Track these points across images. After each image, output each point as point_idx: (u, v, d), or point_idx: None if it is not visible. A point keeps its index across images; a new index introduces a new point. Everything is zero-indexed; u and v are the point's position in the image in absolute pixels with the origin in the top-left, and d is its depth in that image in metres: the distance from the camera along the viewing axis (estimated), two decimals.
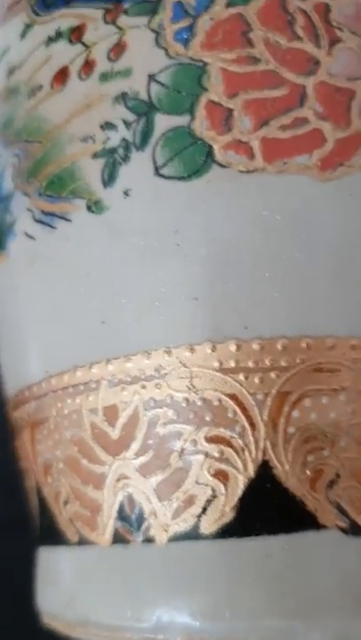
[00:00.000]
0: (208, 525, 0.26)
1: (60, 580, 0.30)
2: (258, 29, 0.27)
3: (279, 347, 0.26)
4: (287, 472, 0.26)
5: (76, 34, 0.29)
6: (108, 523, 0.28)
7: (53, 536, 0.30)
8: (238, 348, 0.26)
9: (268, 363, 0.26)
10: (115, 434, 0.28)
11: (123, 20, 0.29)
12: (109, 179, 0.28)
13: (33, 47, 0.30)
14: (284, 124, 0.27)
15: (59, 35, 0.30)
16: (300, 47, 0.27)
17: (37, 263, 0.30)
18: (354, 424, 0.26)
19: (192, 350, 0.27)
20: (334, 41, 0.27)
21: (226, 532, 0.26)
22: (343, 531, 0.26)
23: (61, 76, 0.30)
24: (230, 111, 0.27)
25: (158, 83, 0.28)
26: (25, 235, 0.30)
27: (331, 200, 0.27)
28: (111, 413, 0.28)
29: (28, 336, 0.31)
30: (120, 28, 0.28)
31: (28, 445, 0.31)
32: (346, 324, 0.26)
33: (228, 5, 0.28)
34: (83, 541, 0.29)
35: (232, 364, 0.26)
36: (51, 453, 0.30)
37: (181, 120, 0.27)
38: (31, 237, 0.30)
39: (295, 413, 0.26)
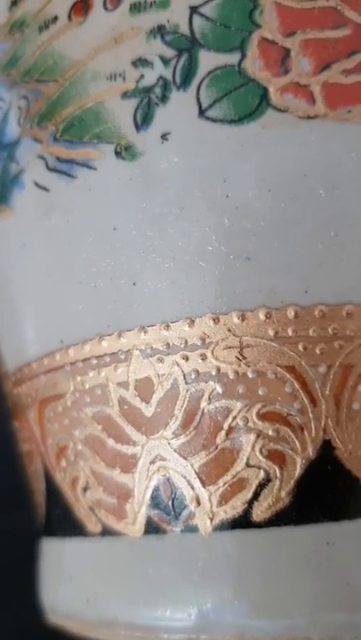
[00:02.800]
0: (261, 512, 0.22)
1: (76, 576, 0.25)
2: None
3: (344, 314, 0.22)
4: (351, 453, 0.22)
5: None
6: (140, 510, 0.24)
7: (68, 527, 0.26)
8: (297, 314, 0.22)
9: (330, 331, 0.22)
10: (149, 410, 0.23)
11: None
12: (144, 121, 0.23)
13: None
14: (347, 68, 0.23)
15: None
16: None
17: (52, 217, 0.25)
18: None
19: (243, 317, 0.23)
20: None
21: (281, 519, 0.22)
22: None
23: (82, 5, 0.25)
24: (287, 51, 0.23)
25: (203, 16, 0.23)
26: (36, 185, 0.26)
27: None
28: (145, 387, 0.24)
29: (37, 301, 0.26)
30: None
31: (34, 425, 0.27)
32: None
33: None
34: (107, 532, 0.24)
35: (290, 333, 0.22)
36: (66, 433, 0.25)
37: (231, 58, 0.23)
38: (44, 188, 0.25)
39: (360, 387, 0.23)
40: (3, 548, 0.36)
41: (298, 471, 0.22)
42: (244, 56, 0.23)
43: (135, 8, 0.24)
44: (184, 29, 0.24)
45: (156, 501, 0.23)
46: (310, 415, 0.22)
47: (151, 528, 0.23)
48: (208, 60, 0.23)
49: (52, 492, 0.27)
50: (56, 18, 0.25)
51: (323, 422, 0.22)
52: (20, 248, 0.26)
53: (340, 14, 0.23)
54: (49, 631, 0.27)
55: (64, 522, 0.26)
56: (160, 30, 0.24)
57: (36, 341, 0.26)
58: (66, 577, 0.26)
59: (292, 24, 0.23)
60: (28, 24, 0.26)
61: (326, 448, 0.22)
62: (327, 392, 0.22)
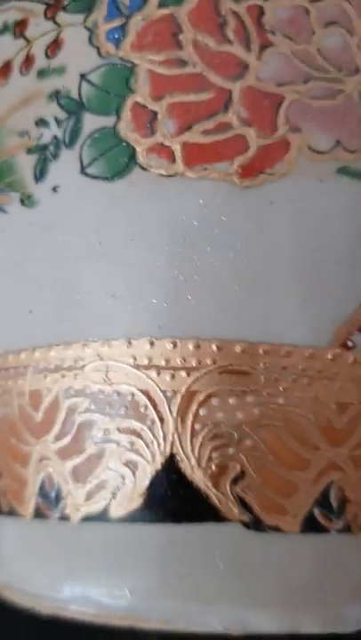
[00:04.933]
0: (117, 509, 0.26)
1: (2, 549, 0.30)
2: (188, 31, 0.26)
3: (191, 347, 0.25)
4: (193, 466, 0.25)
5: (19, 28, 0.28)
6: (31, 498, 0.28)
7: None
8: (152, 345, 0.26)
9: (179, 362, 0.26)
10: (38, 417, 0.28)
11: (61, 17, 0.27)
12: (40, 174, 0.27)
13: None
14: (207, 128, 0.26)
15: (5, 28, 0.29)
16: (229, 50, 0.26)
17: None
18: (261, 425, 0.26)
19: (109, 345, 0.26)
20: (266, 45, 0.26)
21: (133, 517, 0.26)
22: (246, 525, 0.25)
23: (5, 69, 0.28)
24: (155, 114, 0.26)
25: (89, 82, 0.26)
26: None
27: (250, 208, 0.25)
28: (36, 398, 0.28)
29: None
30: (58, 25, 0.27)
31: None
32: (256, 329, 0.26)
33: (161, 6, 0.26)
34: (12, 512, 0.29)
35: (145, 361, 0.26)
36: None
37: (108, 121, 0.26)
38: None
39: (203, 411, 0.26)
40: None
41: (148, 478, 0.26)
42: (119, 119, 0.26)
43: (41, 73, 0.27)
44: (74, 94, 0.27)
45: (42, 492, 0.27)
46: (160, 432, 0.26)
47: (38, 513, 0.28)
48: (91, 123, 0.26)
49: None
50: None
51: (170, 438, 0.26)
52: None
53: (205, 79, 0.26)
54: None
55: None
56: (57, 94, 0.27)
57: None
58: None
59: (162, 89, 0.26)
60: None
61: (172, 460, 0.26)
62: (174, 413, 0.26)
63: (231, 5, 0.26)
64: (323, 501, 0.26)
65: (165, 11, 0.26)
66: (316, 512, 0.26)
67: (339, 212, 0.26)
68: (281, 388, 0.26)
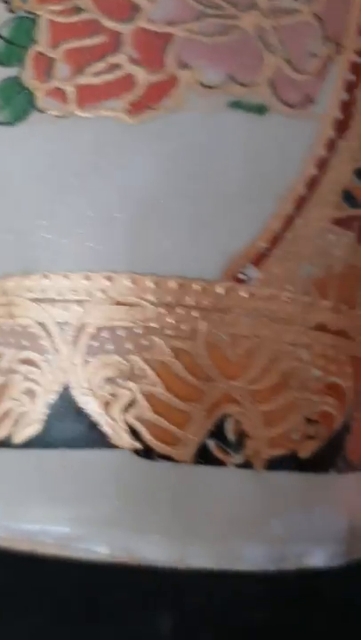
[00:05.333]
0: (17, 436, 0.27)
1: None
2: None
3: (82, 280, 0.26)
4: (86, 395, 0.26)
5: None
6: None
7: None
8: (46, 278, 0.27)
9: (71, 295, 0.26)
10: None
11: None
12: None
13: None
14: (99, 70, 0.27)
15: None
16: None
17: None
18: (151, 356, 0.26)
19: (10, 279, 0.27)
20: None
21: (31, 442, 0.27)
22: (136, 452, 0.26)
23: None
24: (53, 60, 0.27)
25: (0, 37, 0.28)
26: None
27: (139, 143, 0.26)
28: None
29: None
30: None
31: None
32: (147, 263, 0.26)
33: None
34: None
35: (41, 295, 0.27)
36: None
37: (13, 71, 0.28)
38: None
39: (94, 342, 0.26)
40: None
41: (45, 406, 0.27)
42: (22, 68, 0.27)
43: None
44: None
45: None
46: (56, 362, 0.27)
47: None
48: (1, 74, 0.28)
49: None
50: None
51: (64, 367, 0.26)
52: None
53: (99, 24, 0.27)
54: None
55: None
56: None
57: None
58: None
59: (59, 36, 0.27)
60: None
61: (67, 389, 0.26)
62: (69, 344, 0.26)
63: None
64: (218, 434, 0.26)
65: None
66: (211, 444, 0.26)
67: (231, 145, 0.26)
68: (171, 321, 0.26)
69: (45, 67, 0.27)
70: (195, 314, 0.26)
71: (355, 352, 0.28)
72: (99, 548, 0.26)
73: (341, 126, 0.27)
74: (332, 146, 0.27)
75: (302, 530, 0.27)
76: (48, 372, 0.27)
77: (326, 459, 0.27)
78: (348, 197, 0.27)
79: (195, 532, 0.26)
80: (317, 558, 0.28)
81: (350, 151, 0.27)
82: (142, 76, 0.26)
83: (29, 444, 0.27)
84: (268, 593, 0.41)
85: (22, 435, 0.27)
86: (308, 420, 0.27)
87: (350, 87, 0.27)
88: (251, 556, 0.26)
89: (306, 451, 0.27)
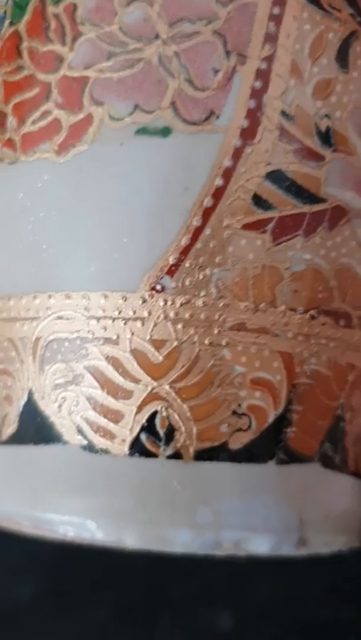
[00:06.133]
0: (4, 434, 0.32)
1: None
2: (25, 41, 0.31)
3: (33, 300, 0.30)
4: (44, 398, 0.30)
5: None
6: None
7: None
8: (9, 300, 0.31)
9: (24, 313, 0.31)
10: None
11: None
12: None
13: None
14: (35, 118, 0.30)
15: None
16: (51, 49, 0.30)
17: None
18: (88, 363, 0.29)
19: None
20: (76, 36, 0.30)
21: (10, 440, 0.31)
22: (82, 447, 0.29)
23: None
24: (5, 115, 0.31)
25: None
26: None
27: (64, 178, 0.30)
28: None
29: None
30: None
31: None
32: (76, 281, 0.29)
33: (11, 24, 0.32)
34: None
35: (5, 315, 0.31)
36: None
37: None
38: None
39: (47, 353, 0.30)
40: None
41: (18, 409, 0.31)
42: None
43: None
44: None
45: None
46: (23, 372, 0.31)
47: None
48: None
49: None
50: None
51: (28, 376, 0.31)
52: None
53: (35, 78, 0.31)
54: None
55: None
56: None
57: None
58: None
59: (9, 94, 0.31)
60: None
61: (31, 394, 0.31)
62: (30, 356, 0.31)
63: (53, 9, 0.30)
64: (150, 429, 0.29)
65: (13, 28, 0.32)
66: (144, 438, 0.29)
67: (138, 170, 0.29)
68: (101, 329, 0.29)
69: (2, 121, 0.32)
70: (119, 323, 0.29)
71: (280, 347, 0.29)
72: (58, 529, 0.30)
73: (248, 134, 0.28)
74: (238, 154, 0.28)
75: (237, 517, 0.28)
76: (18, 381, 0.31)
77: (262, 450, 0.29)
78: (259, 201, 0.28)
79: (129, 517, 0.29)
80: (259, 546, 0.29)
81: (258, 156, 0.28)
82: (65, 119, 0.30)
83: (9, 441, 0.32)
84: (329, 590, 0.42)
85: (4, 434, 0.32)
86: (237, 414, 0.29)
87: (257, 94, 0.28)
88: (181, 541, 0.28)
89: (237, 442, 0.29)
